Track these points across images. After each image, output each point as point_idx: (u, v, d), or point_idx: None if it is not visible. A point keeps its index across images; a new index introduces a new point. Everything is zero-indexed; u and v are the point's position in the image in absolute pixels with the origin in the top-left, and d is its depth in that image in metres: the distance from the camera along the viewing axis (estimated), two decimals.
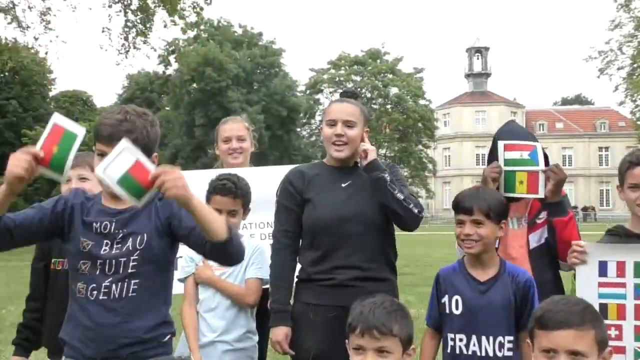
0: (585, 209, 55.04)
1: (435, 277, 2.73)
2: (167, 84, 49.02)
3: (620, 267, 2.58)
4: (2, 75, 37.10)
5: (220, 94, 44.08)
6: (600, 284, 2.59)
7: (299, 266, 2.90)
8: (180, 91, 45.97)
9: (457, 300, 2.60)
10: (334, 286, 2.73)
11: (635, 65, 39.03)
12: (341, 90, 3.25)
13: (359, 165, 2.89)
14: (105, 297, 2.14)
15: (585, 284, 2.60)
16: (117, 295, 2.15)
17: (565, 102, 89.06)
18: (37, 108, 39.98)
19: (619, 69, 40.27)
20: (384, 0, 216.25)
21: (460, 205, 2.63)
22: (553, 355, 1.87)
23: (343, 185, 2.85)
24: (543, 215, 2.96)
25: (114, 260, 2.16)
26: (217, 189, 3.01)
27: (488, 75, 69.18)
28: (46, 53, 20.27)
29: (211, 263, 2.96)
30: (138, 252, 2.17)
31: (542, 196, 2.89)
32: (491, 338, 2.52)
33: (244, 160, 3.72)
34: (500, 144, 2.98)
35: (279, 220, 2.92)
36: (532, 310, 2.50)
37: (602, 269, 2.60)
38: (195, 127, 43.95)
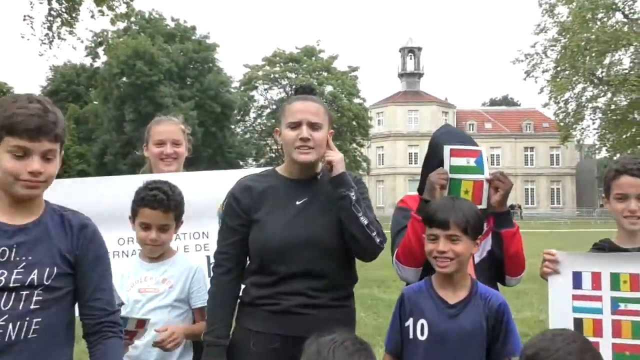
0: (512, 207, 56.96)
1: (399, 297, 2.44)
2: (95, 77, 47.28)
3: (596, 279, 2.39)
4: None
5: (151, 88, 42.81)
6: (575, 297, 2.40)
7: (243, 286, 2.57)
8: (110, 85, 44.37)
9: (422, 325, 2.31)
10: (279, 312, 2.39)
11: (558, 69, 40.65)
12: (297, 87, 2.74)
13: (319, 177, 2.55)
14: None
15: (558, 297, 2.42)
16: (13, 338, 1.76)
17: (493, 102, 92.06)
18: None
19: (543, 71, 41.80)
20: None
21: (434, 218, 2.33)
22: None
23: (298, 202, 2.47)
24: (484, 226, 2.72)
25: (13, 293, 1.77)
26: (146, 200, 2.64)
27: (421, 75, 70.46)
28: None
29: (139, 286, 2.67)
30: (43, 286, 1.81)
31: (485, 207, 2.67)
32: None
33: (177, 167, 3.32)
34: (447, 148, 2.72)
35: (221, 240, 2.55)
36: (507, 338, 2.32)
37: (577, 280, 2.42)
38: (125, 122, 42.52)
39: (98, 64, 43.97)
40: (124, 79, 43.82)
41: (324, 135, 2.49)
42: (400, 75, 70.51)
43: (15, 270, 1.78)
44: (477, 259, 2.71)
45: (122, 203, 2.78)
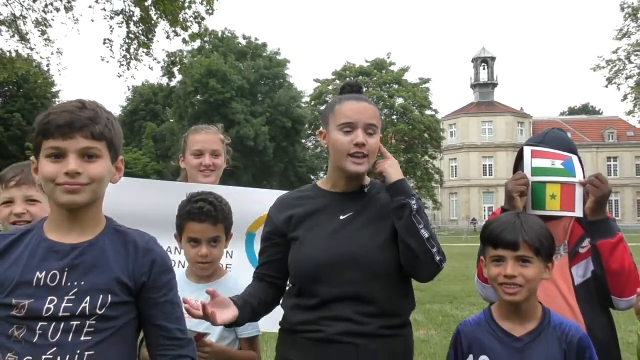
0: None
1: (454, 333, 2.13)
2: (171, 96, 48.99)
3: None
4: (6, 88, 37.04)
5: (224, 105, 43.95)
6: None
7: (281, 313, 2.30)
8: (184, 103, 45.88)
9: None
10: (322, 340, 2.08)
11: None
12: (344, 84, 2.33)
13: (365, 189, 2.26)
14: None
15: None
16: None
17: (572, 111, 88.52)
18: None
19: (627, 77, 40.07)
20: (389, 11, 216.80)
21: (499, 238, 2.02)
22: None
23: (342, 217, 2.17)
24: (587, 243, 2.37)
25: (62, 324, 1.59)
26: (192, 214, 2.45)
27: (494, 85, 68.78)
28: (47, 65, 20.09)
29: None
30: (96, 316, 1.63)
31: (580, 215, 2.30)
32: None
33: (215, 179, 3.12)
34: (527, 149, 2.38)
35: (259, 260, 2.36)
36: None
37: None
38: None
39: (173, 83, 45.51)
40: (198, 96, 45.20)
41: (377, 141, 2.18)
42: (473, 86, 69.08)
43: (66, 298, 1.61)
44: (578, 280, 2.37)
45: (171, 209, 2.60)
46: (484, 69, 69.13)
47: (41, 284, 1.61)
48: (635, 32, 37.42)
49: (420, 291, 12.39)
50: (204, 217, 2.44)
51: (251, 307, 2.17)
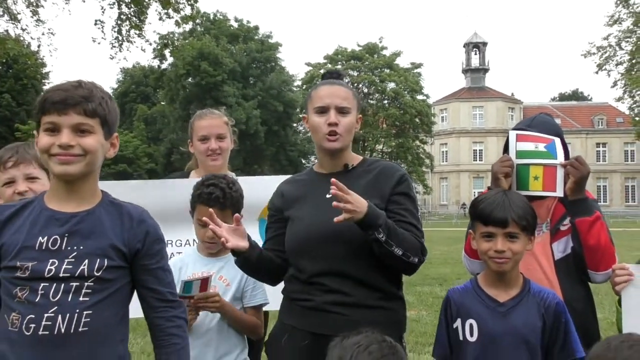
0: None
1: (443, 300, 2.32)
2: (162, 78, 48.68)
3: None
4: None
5: (215, 88, 43.78)
6: None
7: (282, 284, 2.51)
8: (176, 85, 45.66)
9: (471, 325, 2.18)
10: (311, 309, 2.27)
11: (634, 61, 38.94)
12: (324, 72, 2.87)
13: (349, 167, 2.44)
14: (47, 332, 1.70)
15: (632, 313, 2.22)
16: (62, 331, 1.71)
17: (562, 97, 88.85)
18: (30, 102, 39.51)
19: (617, 64, 40.24)
20: None
21: (491, 216, 2.18)
22: None
23: (327, 196, 2.24)
24: (568, 221, 2.54)
25: (62, 284, 1.73)
26: (202, 198, 2.61)
27: (486, 70, 68.84)
28: (38, 46, 19.96)
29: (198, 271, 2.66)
30: (94, 278, 1.77)
31: (561, 195, 2.48)
32: None
33: (223, 161, 3.27)
34: (512, 133, 2.55)
35: (266, 236, 2.56)
36: (566, 341, 2.16)
37: None
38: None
39: (165, 65, 45.22)
40: (190, 79, 44.99)
41: (352, 120, 2.39)
42: (465, 71, 69.10)
43: (66, 260, 1.75)
44: (558, 256, 2.54)
45: (181, 205, 2.79)
46: (475, 54, 69.12)
47: (43, 248, 1.76)
48: (627, 19, 37.56)
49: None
50: (212, 202, 2.58)
51: (260, 252, 2.37)
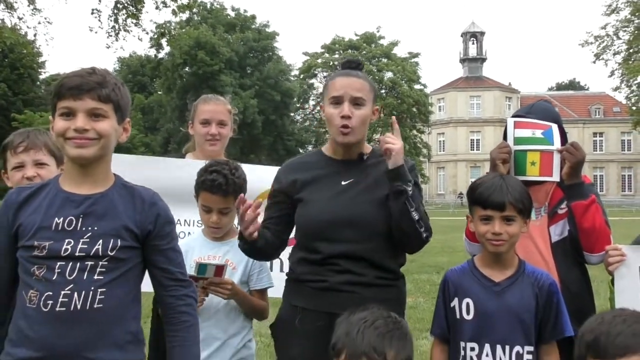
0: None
1: (441, 280, 2.40)
2: (159, 68, 48.49)
3: None
4: None
5: (213, 77, 43.65)
6: None
7: (286, 263, 2.58)
8: (173, 75, 45.49)
9: (468, 304, 2.26)
10: (325, 290, 2.35)
11: (631, 51, 38.95)
12: (343, 60, 2.57)
13: (364, 157, 2.49)
14: (64, 309, 1.77)
15: (625, 294, 2.27)
16: (79, 307, 1.77)
17: (560, 87, 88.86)
18: (26, 92, 39.49)
19: (615, 54, 40.27)
20: None
21: (489, 200, 2.25)
22: None
23: (343, 182, 2.41)
24: (565, 205, 2.60)
25: (78, 263, 1.80)
26: (205, 184, 2.66)
27: (483, 60, 68.71)
28: (34, 35, 19.86)
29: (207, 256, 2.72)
30: (108, 257, 1.83)
31: (557, 179, 2.55)
32: (507, 347, 2.20)
33: (220, 147, 3.32)
34: (510, 121, 2.62)
35: (265, 215, 2.58)
36: (558, 319, 2.25)
37: None
38: (188, 111, 43.18)
39: (162, 55, 45.03)
40: (187, 69, 44.84)
41: (367, 112, 2.41)
42: (462, 61, 68.97)
43: (81, 240, 1.81)
44: (555, 238, 2.61)
45: (184, 184, 2.81)
46: (473, 43, 68.97)
47: (59, 228, 1.82)
48: (624, 8, 37.55)
49: (409, 262, 12.55)
50: (215, 189, 2.64)
51: (265, 236, 2.42)
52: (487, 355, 2.21)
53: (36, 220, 1.83)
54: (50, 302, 1.76)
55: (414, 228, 2.32)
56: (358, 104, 2.38)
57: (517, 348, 2.21)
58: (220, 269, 2.52)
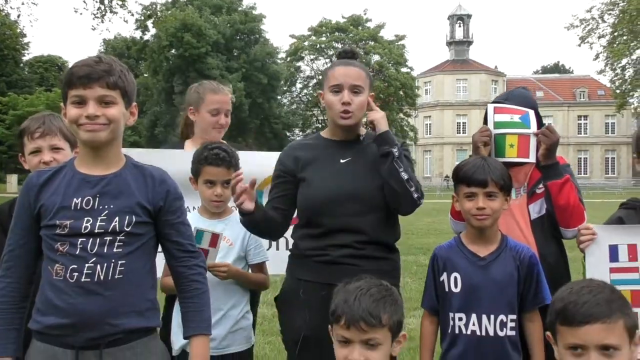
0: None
1: (431, 256, 2.59)
2: (145, 50, 48.07)
3: (632, 250, 2.44)
4: None
5: (199, 60, 43.36)
6: (612, 270, 2.44)
7: (291, 242, 2.78)
8: (159, 57, 45.13)
9: (455, 278, 2.46)
10: (328, 263, 2.56)
11: (616, 34, 39.15)
12: (340, 50, 2.90)
13: (361, 138, 2.72)
14: (89, 280, 1.93)
15: (596, 271, 2.44)
16: (102, 278, 1.94)
17: (545, 70, 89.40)
18: (10, 73, 39.06)
19: (599, 37, 40.47)
20: None
21: (472, 178, 2.45)
22: (582, 352, 1.69)
23: (342, 161, 2.65)
24: (542, 185, 2.80)
25: (97, 239, 1.96)
26: (209, 158, 2.83)
27: (470, 43, 68.84)
28: (18, 16, 19.62)
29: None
30: (124, 232, 1.99)
31: (534, 160, 2.75)
32: (492, 316, 2.40)
33: (223, 134, 3.55)
34: (490, 106, 2.84)
35: (270, 195, 2.76)
36: (538, 288, 2.45)
37: (613, 253, 2.46)
38: (175, 94, 43.23)
39: (147, 37, 44.67)
40: (173, 51, 44.47)
41: (364, 98, 2.63)
42: (449, 44, 69.03)
43: (99, 218, 1.96)
44: (534, 216, 2.80)
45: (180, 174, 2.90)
46: (459, 26, 69.00)
47: (78, 207, 1.97)
48: None
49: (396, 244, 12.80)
50: (220, 162, 2.82)
51: (264, 211, 2.62)
52: (473, 324, 2.41)
53: (56, 201, 1.97)
54: (76, 274, 1.92)
55: (404, 187, 2.52)
56: (356, 91, 2.60)
57: (502, 317, 2.40)
58: (215, 237, 2.70)
